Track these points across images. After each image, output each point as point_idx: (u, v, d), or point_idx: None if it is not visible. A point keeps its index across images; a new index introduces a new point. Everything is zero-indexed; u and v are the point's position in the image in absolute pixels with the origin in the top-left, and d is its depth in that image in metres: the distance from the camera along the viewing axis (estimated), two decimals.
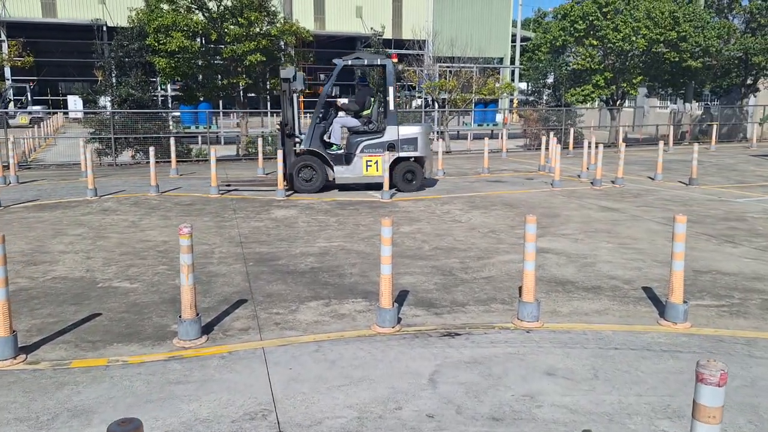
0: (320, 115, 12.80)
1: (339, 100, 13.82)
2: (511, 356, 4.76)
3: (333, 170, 12.72)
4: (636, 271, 7.12)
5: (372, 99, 13.28)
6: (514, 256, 7.70)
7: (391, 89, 12.72)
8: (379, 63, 13.15)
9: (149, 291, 6.37)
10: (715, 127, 25.82)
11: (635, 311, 5.82)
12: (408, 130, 12.93)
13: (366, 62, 13.37)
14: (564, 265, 7.34)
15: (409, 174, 13.06)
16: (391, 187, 12.53)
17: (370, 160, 12.71)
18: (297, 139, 12.71)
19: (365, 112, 13.12)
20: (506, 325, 5.42)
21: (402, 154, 12.80)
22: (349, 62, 12.89)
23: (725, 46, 26.51)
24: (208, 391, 4.18)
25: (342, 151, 12.95)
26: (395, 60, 13.18)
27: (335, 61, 12.72)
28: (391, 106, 12.74)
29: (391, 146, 12.66)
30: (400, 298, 6.11)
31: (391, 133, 12.72)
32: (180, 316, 5.01)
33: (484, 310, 5.83)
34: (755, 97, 30.05)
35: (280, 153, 12.43)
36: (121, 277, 6.84)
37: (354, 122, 13.09)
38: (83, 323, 5.47)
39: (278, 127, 12.04)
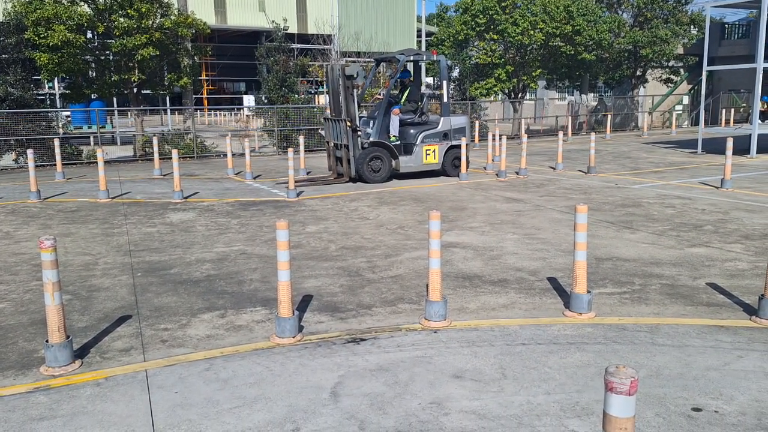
0: (385, 110, 13.31)
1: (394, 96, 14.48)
2: (418, 360, 4.51)
3: (398, 160, 13.36)
4: (541, 262, 7.11)
5: (423, 93, 14.36)
6: (422, 252, 7.50)
7: (445, 83, 14.03)
8: (435, 58, 14.31)
9: (18, 312, 5.65)
10: (609, 117, 27.09)
11: (541, 303, 5.75)
12: (458, 121, 14.10)
13: (425, 58, 14.32)
14: (471, 259, 7.23)
15: (457, 160, 13.88)
16: (440, 174, 13.75)
17: (429, 149, 13.65)
18: (359, 133, 12.95)
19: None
20: (413, 327, 5.19)
21: (454, 142, 13.84)
22: (411, 58, 13.72)
23: (616, 39, 27.83)
24: (76, 426, 3.65)
25: (399, 142, 13.58)
26: (435, 55, 14.39)
27: (398, 56, 13.54)
28: (446, 99, 14.11)
29: (445, 135, 13.80)
30: (303, 304, 5.75)
31: (445, 124, 13.82)
32: (47, 341, 4.41)
33: (391, 312, 5.57)
34: (644, 87, 31.81)
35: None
36: None
37: (410, 115, 13.82)
38: None
39: (349, 123, 12.72)
